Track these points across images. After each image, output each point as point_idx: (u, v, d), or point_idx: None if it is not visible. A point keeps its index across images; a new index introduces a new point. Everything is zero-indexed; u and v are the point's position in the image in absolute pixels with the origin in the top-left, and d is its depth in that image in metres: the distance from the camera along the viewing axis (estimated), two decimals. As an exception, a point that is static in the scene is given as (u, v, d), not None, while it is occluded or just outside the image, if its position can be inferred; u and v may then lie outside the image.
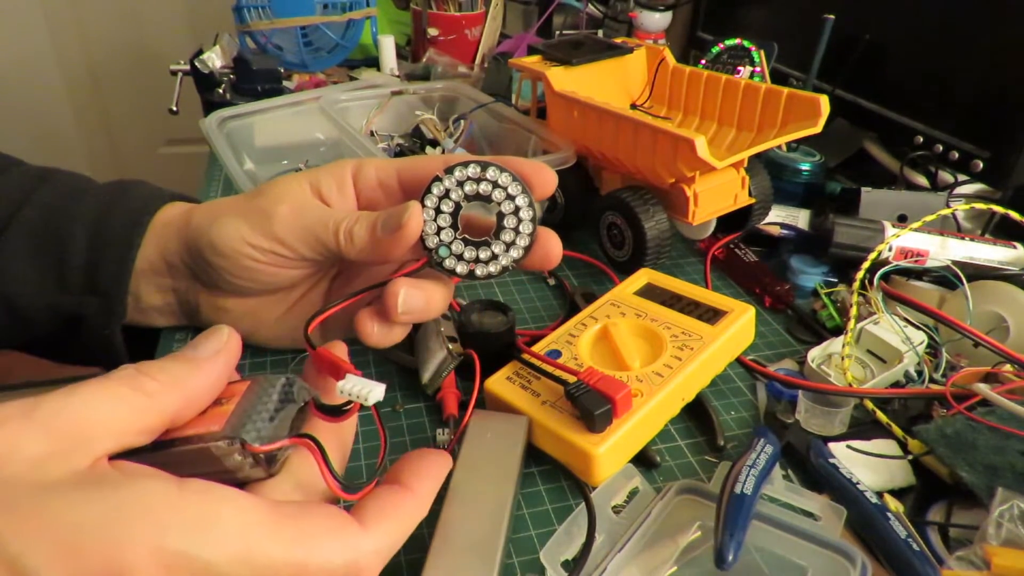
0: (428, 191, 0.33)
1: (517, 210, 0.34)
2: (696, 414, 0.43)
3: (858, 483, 0.36)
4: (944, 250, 0.54)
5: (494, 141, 0.68)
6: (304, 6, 0.93)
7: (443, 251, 0.34)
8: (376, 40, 1.01)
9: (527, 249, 0.34)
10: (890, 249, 0.53)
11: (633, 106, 0.66)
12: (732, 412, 0.44)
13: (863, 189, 0.60)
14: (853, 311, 0.47)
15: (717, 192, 0.54)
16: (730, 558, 0.30)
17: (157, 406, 0.23)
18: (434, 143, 0.68)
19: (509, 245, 0.34)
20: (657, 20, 1.01)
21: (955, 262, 0.51)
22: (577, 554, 0.33)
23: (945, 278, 0.49)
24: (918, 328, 0.47)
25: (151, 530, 0.20)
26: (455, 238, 0.34)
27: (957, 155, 0.60)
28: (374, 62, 1.02)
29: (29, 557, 0.19)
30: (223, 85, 0.87)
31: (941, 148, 0.62)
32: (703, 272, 0.58)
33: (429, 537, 0.31)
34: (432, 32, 1.01)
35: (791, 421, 0.41)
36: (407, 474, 0.28)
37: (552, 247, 0.35)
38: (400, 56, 1.02)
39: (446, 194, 0.33)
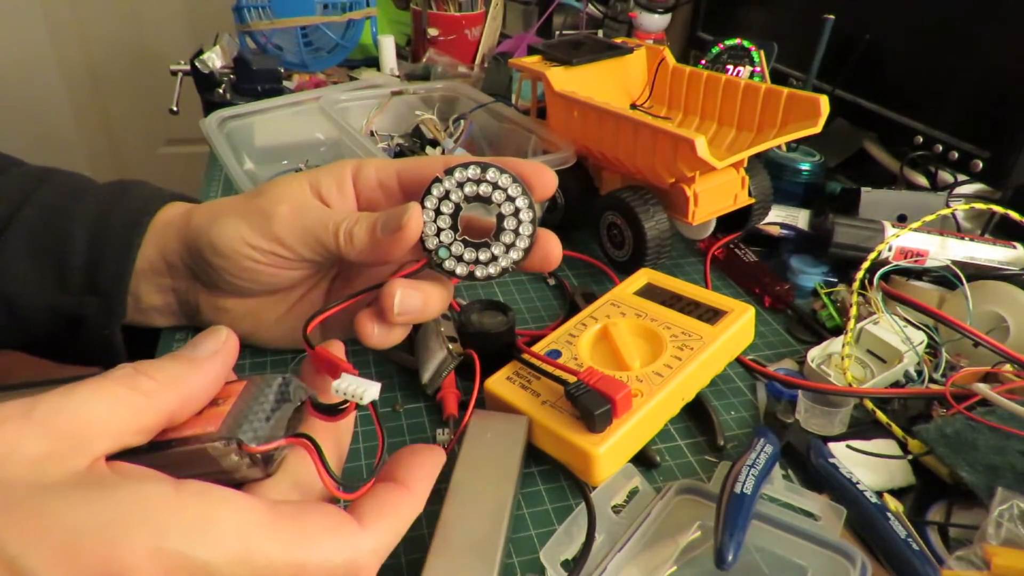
0: (428, 192, 0.33)
1: (517, 211, 0.34)
2: (696, 414, 0.43)
3: (858, 483, 0.36)
4: (944, 250, 0.54)
5: (494, 141, 0.68)
6: (304, 6, 0.93)
7: (443, 252, 0.34)
8: (376, 40, 1.01)
9: (527, 251, 0.34)
10: (890, 249, 0.54)
11: (633, 106, 0.66)
12: (732, 412, 0.44)
13: (863, 189, 0.60)
14: (853, 311, 0.47)
15: (717, 192, 0.54)
16: (730, 558, 0.30)
17: (154, 406, 0.23)
18: (434, 143, 0.68)
19: (509, 247, 0.34)
20: (657, 20, 1.01)
21: (955, 262, 0.51)
22: (577, 554, 0.33)
23: (945, 278, 0.49)
24: (918, 328, 0.47)
25: (150, 532, 0.20)
26: (455, 239, 0.34)
27: (957, 155, 0.60)
28: (374, 62, 1.02)
29: (28, 559, 0.19)
30: (223, 85, 0.87)
31: (941, 148, 0.62)
32: (703, 272, 0.58)
33: (429, 537, 0.31)
34: (432, 32, 1.01)
35: (791, 421, 0.41)
36: (402, 471, 0.28)
37: (552, 249, 0.35)
38: (400, 56, 1.02)
39: (446, 195, 0.33)
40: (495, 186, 0.33)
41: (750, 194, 0.57)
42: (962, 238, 0.55)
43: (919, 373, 0.45)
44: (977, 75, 0.60)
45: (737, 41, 0.70)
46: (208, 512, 0.22)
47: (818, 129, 0.53)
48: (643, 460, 0.39)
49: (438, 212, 0.34)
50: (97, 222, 0.41)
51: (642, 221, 0.52)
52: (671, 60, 0.65)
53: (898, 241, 0.53)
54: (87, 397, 0.22)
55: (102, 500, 0.20)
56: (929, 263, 0.53)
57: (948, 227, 0.59)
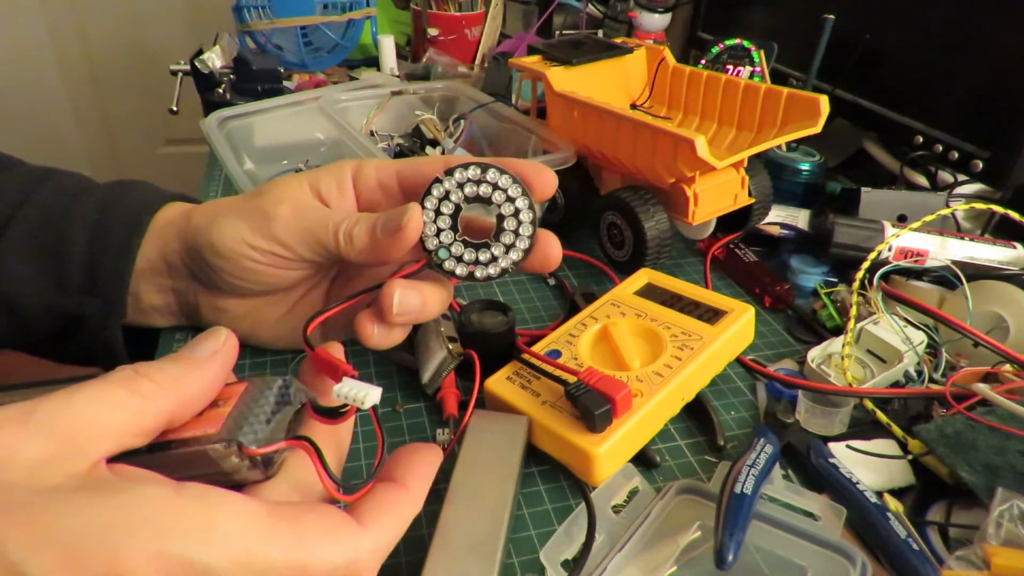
0: (428, 193, 0.33)
1: (517, 212, 0.34)
2: (696, 414, 0.43)
3: (858, 483, 0.36)
4: (944, 250, 0.54)
5: (494, 141, 0.68)
6: (304, 6, 0.93)
7: (442, 253, 0.34)
8: (376, 40, 1.01)
9: (527, 251, 0.34)
10: (890, 249, 0.54)
11: (633, 106, 0.66)
12: (732, 412, 0.44)
13: (863, 189, 0.60)
14: (853, 311, 0.47)
15: (717, 192, 0.54)
16: (730, 558, 0.30)
17: (154, 408, 0.23)
18: (434, 143, 0.68)
19: (509, 247, 0.34)
20: (657, 20, 1.01)
21: (955, 262, 0.51)
22: (577, 554, 0.33)
23: (945, 278, 0.49)
24: (918, 328, 0.47)
25: (151, 536, 0.20)
26: (455, 240, 0.34)
27: (957, 155, 0.60)
28: (374, 62, 1.02)
29: (30, 563, 0.19)
30: (223, 85, 0.87)
31: (941, 148, 0.62)
32: (703, 272, 0.58)
33: (429, 537, 0.31)
34: (432, 32, 1.01)
35: (791, 421, 0.41)
36: (401, 471, 0.28)
37: (552, 250, 0.35)
38: (400, 56, 1.02)
39: (446, 196, 0.33)
40: (495, 186, 0.33)
41: (750, 194, 0.57)
42: (962, 238, 0.55)
43: (919, 373, 0.45)
44: (977, 75, 0.60)
45: (737, 41, 0.70)
46: (209, 515, 0.22)
47: (818, 129, 0.53)
48: (643, 460, 0.39)
49: (438, 212, 0.34)
50: (97, 222, 0.41)
51: (642, 221, 0.52)
52: (671, 60, 0.65)
53: (898, 241, 0.53)
54: (87, 400, 0.22)
55: (103, 504, 0.20)
56: (929, 263, 0.53)
57: (948, 227, 0.59)
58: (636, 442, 0.38)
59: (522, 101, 0.72)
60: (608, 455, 0.36)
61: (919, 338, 0.45)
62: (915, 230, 0.53)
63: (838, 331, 0.49)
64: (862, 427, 0.41)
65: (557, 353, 0.43)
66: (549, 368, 0.40)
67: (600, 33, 1.06)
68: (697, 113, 0.63)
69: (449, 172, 0.33)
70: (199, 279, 0.41)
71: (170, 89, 0.96)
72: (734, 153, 0.50)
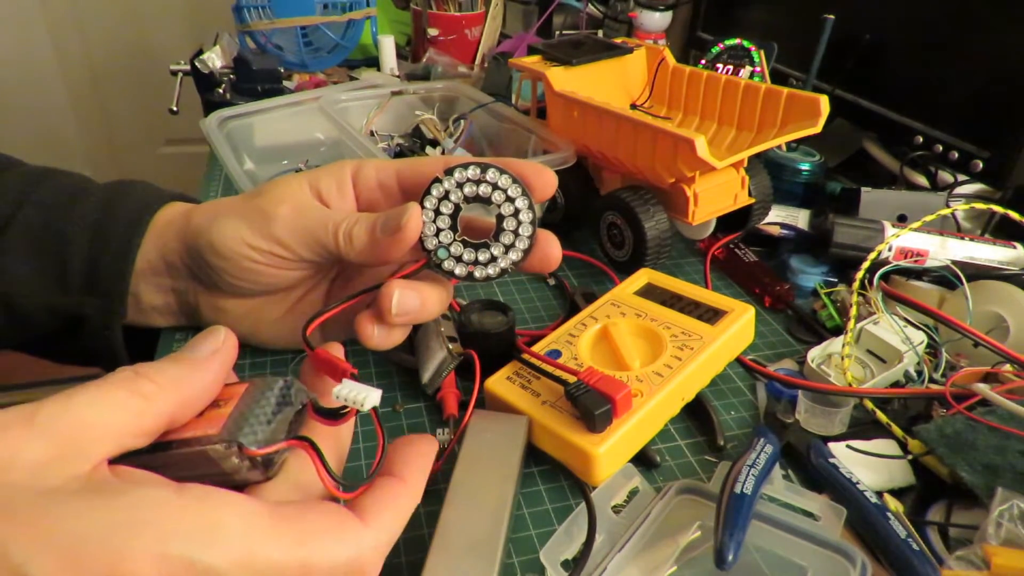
0: (428, 192, 0.33)
1: (517, 212, 0.34)
2: (696, 414, 0.43)
3: (858, 483, 0.36)
4: (944, 250, 0.54)
5: (494, 141, 0.68)
6: (304, 6, 0.93)
7: (442, 253, 0.34)
8: (376, 40, 1.01)
9: (526, 252, 0.34)
10: (890, 249, 0.53)
11: (633, 106, 0.66)
12: (732, 412, 0.44)
13: (863, 189, 0.60)
14: (853, 311, 0.47)
15: (717, 192, 0.54)
16: (730, 558, 0.30)
17: (155, 408, 0.23)
18: (434, 143, 0.68)
19: (508, 247, 0.34)
20: (657, 20, 1.01)
21: (955, 262, 0.51)
22: (577, 554, 0.33)
23: (945, 278, 0.49)
24: (918, 328, 0.47)
25: (153, 538, 0.20)
26: (454, 240, 0.34)
27: (957, 155, 0.60)
28: (374, 62, 1.02)
29: (32, 566, 0.19)
30: (223, 85, 0.87)
31: (941, 148, 0.62)
32: (703, 272, 0.58)
33: (429, 537, 0.31)
34: (432, 32, 1.01)
35: (791, 421, 0.41)
36: (398, 464, 0.28)
37: (551, 250, 0.35)
38: (400, 56, 1.02)
39: (445, 196, 0.33)
40: (495, 187, 0.33)
41: (750, 194, 0.57)
42: (962, 238, 0.55)
43: (919, 373, 0.45)
44: (977, 75, 0.60)
45: (737, 41, 0.70)
46: (210, 516, 0.22)
47: (818, 129, 0.53)
48: (643, 460, 0.39)
49: (437, 212, 0.34)
50: (97, 222, 0.41)
51: (642, 221, 0.52)
52: (671, 60, 0.65)
53: (898, 241, 0.53)
54: (88, 402, 0.22)
55: (105, 506, 0.20)
56: (929, 263, 0.53)
57: (948, 227, 0.59)
58: (636, 442, 0.38)
59: (522, 101, 0.72)
60: (608, 455, 0.36)
61: (919, 338, 0.45)
62: (915, 230, 0.53)
63: (838, 331, 0.49)
64: (862, 427, 0.41)
65: (557, 353, 0.43)
66: (549, 368, 0.40)
67: (600, 33, 1.06)
68: (697, 113, 0.63)
69: (449, 172, 0.33)
70: (199, 279, 0.41)
71: (170, 89, 0.96)
72: (734, 153, 0.50)
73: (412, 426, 0.42)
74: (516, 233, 0.34)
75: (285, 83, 0.92)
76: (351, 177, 0.39)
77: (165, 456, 0.24)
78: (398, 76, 0.97)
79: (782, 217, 0.61)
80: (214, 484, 0.23)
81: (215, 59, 0.90)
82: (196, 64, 0.88)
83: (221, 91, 0.87)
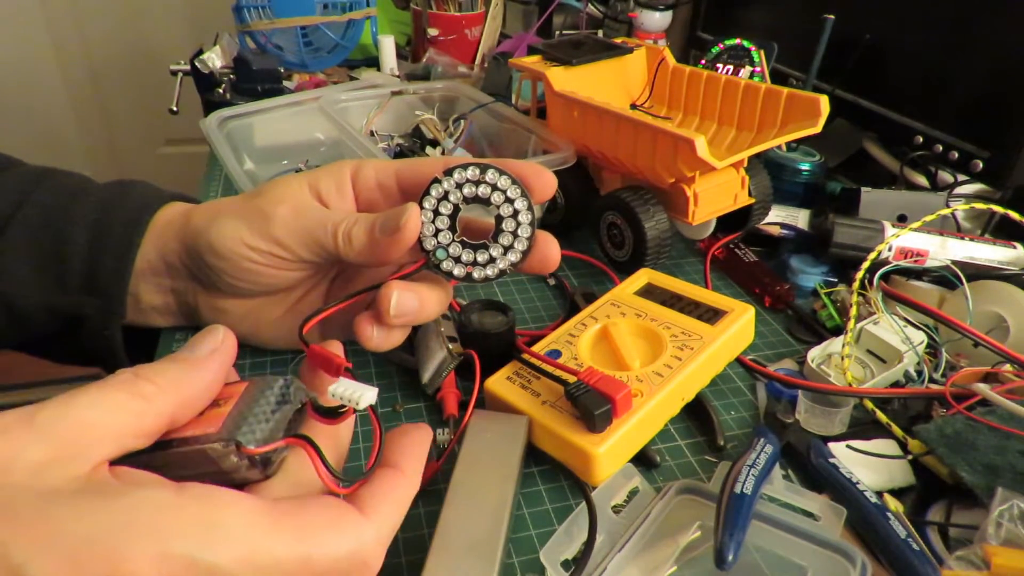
0: (427, 193, 0.33)
1: (516, 213, 0.34)
2: (696, 414, 0.43)
3: (858, 483, 0.36)
4: (944, 250, 0.54)
5: (494, 141, 0.68)
6: (304, 6, 0.93)
7: (440, 253, 0.34)
8: (376, 40, 1.01)
9: (525, 253, 0.34)
10: (890, 249, 0.53)
11: (633, 106, 0.66)
12: (732, 412, 0.44)
13: (863, 189, 0.60)
14: (853, 311, 0.47)
15: (717, 192, 0.54)
16: (730, 558, 0.30)
17: (155, 409, 0.23)
18: (434, 143, 0.68)
19: (507, 248, 0.34)
20: (657, 20, 1.01)
21: (955, 262, 0.51)
22: (577, 554, 0.33)
23: (945, 278, 0.49)
24: (918, 328, 0.47)
25: (154, 538, 0.20)
26: (453, 240, 0.34)
27: (957, 155, 0.60)
28: (374, 62, 1.02)
29: (33, 567, 0.19)
30: (223, 85, 0.87)
31: (941, 148, 0.62)
32: (703, 272, 0.58)
33: (429, 537, 0.31)
34: (432, 32, 1.01)
35: (791, 421, 0.41)
36: (395, 455, 0.28)
37: (550, 251, 0.35)
38: (400, 56, 1.02)
39: (445, 196, 0.33)
40: (494, 187, 0.33)
41: (750, 194, 0.57)
42: (962, 238, 0.55)
43: (919, 373, 0.45)
44: (977, 75, 0.60)
45: (737, 41, 0.70)
46: (210, 514, 0.22)
47: (818, 129, 0.53)
48: (643, 460, 0.39)
49: (436, 213, 0.34)
50: (97, 222, 0.41)
51: (642, 221, 0.52)
52: (671, 60, 0.65)
53: (898, 241, 0.53)
54: (88, 403, 0.22)
55: (105, 507, 0.20)
56: (929, 263, 0.53)
57: (948, 227, 0.59)
58: (636, 442, 0.38)
59: (522, 101, 0.72)
60: (608, 455, 0.36)
61: (919, 338, 0.45)
62: (915, 230, 0.53)
63: (838, 331, 0.49)
64: (862, 427, 0.41)
65: (557, 353, 0.43)
66: (549, 368, 0.40)
67: (600, 33, 1.06)
68: (697, 113, 0.63)
69: (448, 172, 0.33)
70: (198, 279, 0.41)
71: (170, 89, 0.96)
72: (734, 153, 0.50)
73: (412, 426, 0.41)
74: (515, 234, 0.34)
75: (285, 83, 0.92)
76: (350, 177, 0.39)
77: (165, 456, 0.24)
78: (398, 76, 0.97)
79: (782, 217, 0.61)
80: (214, 483, 0.23)
81: (215, 59, 0.90)
82: (196, 64, 0.88)
83: (221, 91, 0.87)
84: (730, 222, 0.58)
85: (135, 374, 0.24)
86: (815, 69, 0.68)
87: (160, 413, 0.23)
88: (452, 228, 0.34)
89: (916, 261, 0.53)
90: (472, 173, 0.33)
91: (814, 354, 0.45)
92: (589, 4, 1.05)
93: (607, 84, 0.64)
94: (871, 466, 0.39)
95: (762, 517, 0.34)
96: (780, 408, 0.42)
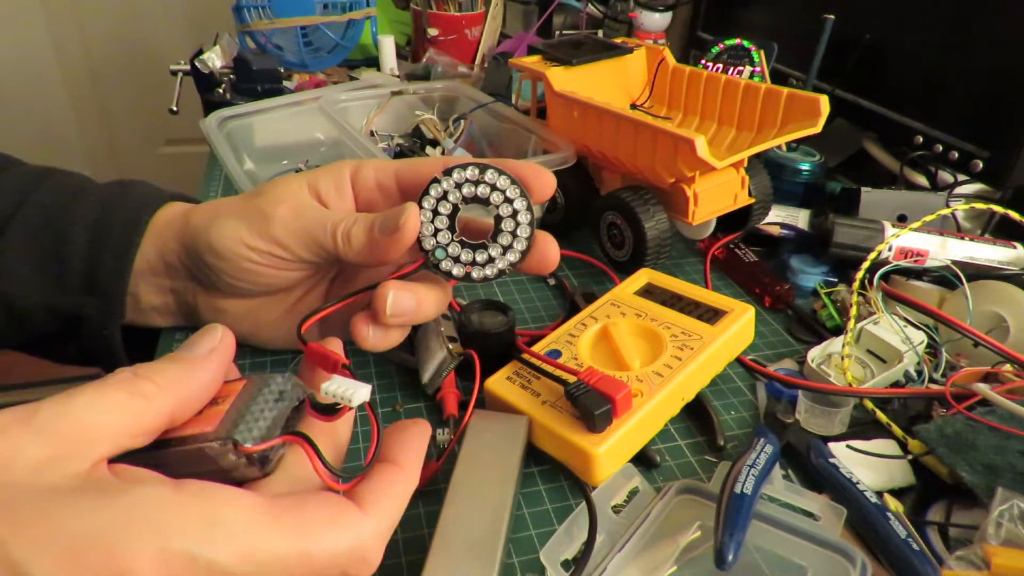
0: (426, 193, 0.33)
1: (515, 213, 0.34)
2: (696, 414, 0.43)
3: (858, 483, 0.36)
4: (944, 250, 0.54)
5: (494, 141, 0.68)
6: (304, 6, 0.93)
7: (439, 253, 0.34)
8: (376, 40, 1.01)
9: (524, 253, 0.34)
10: (890, 249, 0.53)
11: (633, 106, 0.66)
12: (732, 412, 0.44)
13: (863, 189, 0.60)
14: (853, 311, 0.47)
15: (717, 192, 0.54)
16: (730, 558, 0.30)
17: (154, 408, 0.23)
18: (434, 143, 0.68)
19: (506, 248, 0.34)
20: (657, 20, 1.01)
21: (955, 262, 0.51)
22: (577, 554, 0.33)
23: (945, 278, 0.49)
24: (918, 328, 0.47)
25: (154, 535, 0.20)
26: (452, 240, 0.34)
27: (957, 155, 0.60)
28: (374, 62, 1.02)
29: (32, 564, 0.19)
30: (223, 85, 0.87)
31: (941, 148, 0.62)
32: (703, 272, 0.58)
33: (429, 537, 0.31)
34: (432, 32, 1.01)
35: (791, 421, 0.41)
36: (393, 450, 0.28)
37: (549, 251, 0.35)
38: (400, 56, 1.02)
39: (444, 196, 0.33)
40: (493, 187, 0.33)
41: (750, 194, 0.57)
42: (962, 238, 0.55)
43: (919, 373, 0.45)
44: (977, 75, 0.59)
45: (737, 41, 0.70)
46: (209, 511, 0.22)
47: (818, 129, 0.53)
48: (643, 460, 0.39)
49: (436, 213, 0.34)
50: (96, 222, 0.41)
51: (642, 221, 0.52)
52: (671, 60, 0.65)
53: (898, 241, 0.53)
54: (87, 402, 0.22)
55: (104, 504, 0.21)
56: (929, 263, 0.53)
57: (948, 227, 0.59)
58: (636, 442, 0.38)
59: (522, 101, 0.72)
60: (608, 455, 0.36)
61: (919, 338, 0.45)
62: (915, 230, 0.53)
63: (838, 331, 0.49)
64: (862, 427, 0.41)
65: (557, 353, 0.43)
66: (549, 368, 0.40)
67: (600, 33, 1.06)
68: (697, 113, 0.63)
69: (447, 172, 0.33)
70: (198, 280, 0.41)
71: (170, 89, 0.96)
72: (734, 153, 0.50)
73: (412, 426, 0.41)
74: (514, 234, 0.34)
75: (285, 83, 0.92)
76: (350, 177, 0.39)
77: (164, 454, 0.24)
78: (398, 76, 0.96)
79: (782, 217, 0.61)
80: (214, 481, 0.23)
81: (215, 59, 0.90)
82: (196, 64, 0.88)
83: (221, 91, 0.87)
84: (730, 222, 0.58)
85: (134, 373, 0.24)
86: (815, 69, 0.68)
87: (159, 412, 0.24)
88: (451, 228, 0.34)
89: (916, 261, 0.53)
90: (471, 173, 0.33)
91: (814, 354, 0.45)
92: (589, 4, 1.05)
93: (607, 84, 0.64)
94: (871, 466, 0.39)
95: (762, 517, 0.34)
96: (780, 408, 0.42)
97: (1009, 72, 0.57)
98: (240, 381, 0.27)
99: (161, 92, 1.17)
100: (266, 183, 0.39)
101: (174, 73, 0.95)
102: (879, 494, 0.35)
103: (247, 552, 0.22)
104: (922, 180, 0.66)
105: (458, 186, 0.33)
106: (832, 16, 0.66)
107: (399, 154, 0.67)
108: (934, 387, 0.43)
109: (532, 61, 0.61)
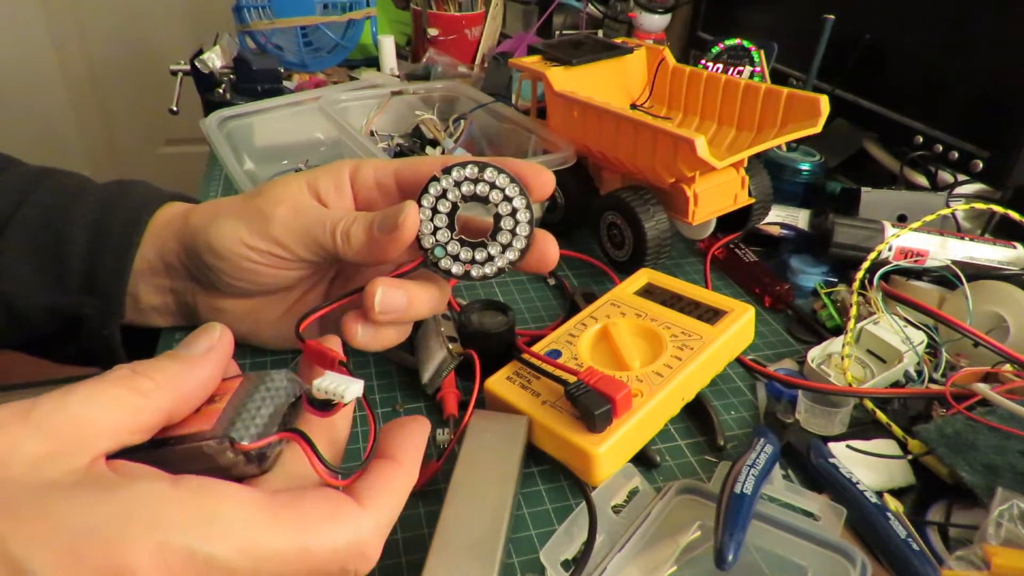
0: (425, 191, 0.33)
1: (514, 212, 0.34)
2: (696, 414, 0.43)
3: (858, 483, 0.36)
4: (944, 250, 0.54)
5: (494, 141, 0.68)
6: (304, 6, 0.93)
7: (439, 251, 0.34)
8: (376, 40, 1.01)
9: (523, 251, 0.34)
10: (890, 249, 0.53)
11: (633, 106, 0.66)
12: (732, 412, 0.44)
13: (863, 189, 0.60)
14: (853, 311, 0.47)
15: (717, 192, 0.54)
16: (730, 558, 0.30)
17: (152, 405, 0.23)
18: (434, 143, 0.68)
19: (505, 247, 0.34)
20: (656, 21, 1.01)
21: (955, 262, 0.51)
22: (577, 554, 0.33)
23: (945, 278, 0.49)
24: (918, 328, 0.47)
25: (153, 529, 0.20)
26: (451, 239, 0.34)
27: (957, 155, 0.60)
28: (374, 62, 1.02)
29: (32, 560, 0.19)
30: (223, 85, 0.87)
31: (941, 148, 0.62)
32: (703, 272, 0.58)
33: (429, 537, 0.31)
34: (432, 32, 1.01)
35: (791, 421, 0.41)
36: (392, 447, 0.28)
37: (549, 250, 0.35)
38: (400, 56, 1.02)
39: (443, 194, 0.33)
40: (492, 186, 0.33)
41: (750, 194, 0.57)
42: (962, 238, 0.55)
43: (919, 373, 0.45)
44: (977, 75, 0.59)
45: (737, 41, 0.70)
46: (208, 506, 0.22)
47: (818, 129, 0.53)
48: (643, 460, 0.39)
49: (435, 211, 0.34)
50: (96, 222, 0.41)
51: (642, 221, 0.52)
52: (671, 60, 0.65)
53: (898, 241, 0.53)
54: (86, 398, 0.22)
55: (103, 499, 0.21)
56: (929, 263, 0.53)
57: (948, 227, 0.59)
58: (636, 442, 0.38)
59: (522, 101, 0.72)
60: (608, 455, 0.36)
61: (919, 338, 0.45)
62: (915, 230, 0.53)
63: (838, 331, 0.49)
64: (862, 427, 0.41)
65: (557, 353, 0.43)
66: (549, 368, 0.40)
67: (600, 33, 1.06)
68: (697, 113, 0.63)
69: (446, 171, 0.33)
70: (197, 279, 0.41)
71: (170, 89, 0.96)
72: (734, 153, 0.50)
73: (412, 426, 0.41)
74: (513, 232, 0.34)
75: (285, 83, 0.92)
76: (349, 177, 0.39)
77: (163, 452, 0.24)
78: (398, 76, 0.96)
79: (782, 217, 0.61)
80: (214, 478, 0.23)
81: (215, 59, 0.90)
82: (196, 64, 0.88)
83: (221, 91, 0.87)
84: (730, 222, 0.57)
85: (133, 370, 0.24)
86: (815, 69, 0.68)
87: (157, 409, 0.24)
88: (450, 226, 0.34)
89: (916, 261, 0.53)
90: (470, 171, 0.33)
91: (814, 354, 0.45)
92: (589, 4, 1.05)
93: (607, 84, 0.64)
94: (871, 466, 0.39)
95: (762, 517, 0.34)
96: (780, 408, 0.42)
97: (1009, 72, 0.57)
98: (238, 378, 0.27)
99: (161, 92, 1.18)
100: (266, 183, 0.39)
101: (174, 73, 0.95)
102: (879, 494, 0.35)
103: (246, 547, 0.22)
104: (922, 180, 0.66)
105: (457, 184, 0.33)
106: (832, 16, 0.66)
107: (399, 154, 0.67)
108: (934, 387, 0.43)
109: (532, 61, 0.61)
